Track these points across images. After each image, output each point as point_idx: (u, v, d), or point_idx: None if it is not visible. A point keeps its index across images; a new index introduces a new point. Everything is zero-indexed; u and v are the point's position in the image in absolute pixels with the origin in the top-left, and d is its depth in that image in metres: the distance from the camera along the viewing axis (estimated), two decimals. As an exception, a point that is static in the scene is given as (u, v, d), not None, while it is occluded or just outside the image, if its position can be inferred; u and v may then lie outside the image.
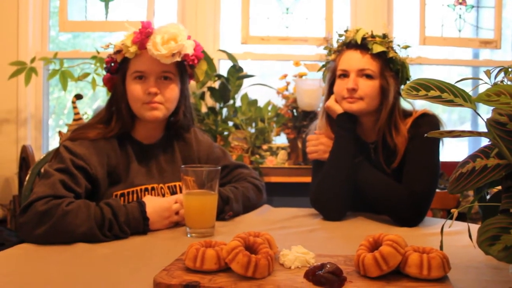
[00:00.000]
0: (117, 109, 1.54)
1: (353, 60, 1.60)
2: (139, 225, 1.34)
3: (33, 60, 2.93)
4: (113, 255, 1.16)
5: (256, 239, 1.00)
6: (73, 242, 1.24)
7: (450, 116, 3.77)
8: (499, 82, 0.94)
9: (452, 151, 3.49)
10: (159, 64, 1.50)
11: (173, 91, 1.55)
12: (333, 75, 1.67)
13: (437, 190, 1.96)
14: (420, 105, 1.67)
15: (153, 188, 1.55)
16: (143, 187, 1.53)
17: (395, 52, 1.59)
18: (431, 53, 3.40)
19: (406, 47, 1.62)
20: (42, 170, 1.46)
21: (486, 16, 3.39)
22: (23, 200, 1.69)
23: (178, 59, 1.50)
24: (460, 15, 3.36)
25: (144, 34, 1.48)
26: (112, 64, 1.56)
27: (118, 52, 1.52)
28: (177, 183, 1.61)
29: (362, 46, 1.60)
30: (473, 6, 3.37)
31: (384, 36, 1.61)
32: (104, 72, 1.61)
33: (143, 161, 1.57)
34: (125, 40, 1.50)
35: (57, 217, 1.24)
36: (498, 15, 3.31)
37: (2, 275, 1.01)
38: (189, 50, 1.53)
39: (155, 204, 1.39)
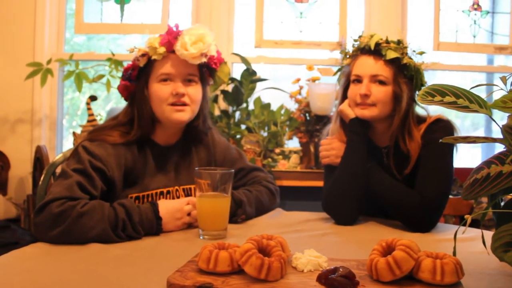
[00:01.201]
0: (139, 116, 1.53)
1: (366, 65, 1.60)
2: (152, 225, 1.35)
3: (49, 62, 2.97)
4: (126, 255, 1.17)
5: (269, 242, 1.01)
6: (87, 243, 1.25)
7: (464, 122, 3.75)
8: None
9: (466, 157, 3.47)
10: (185, 67, 1.51)
11: (198, 92, 1.55)
12: (347, 79, 1.68)
13: (450, 196, 1.95)
14: (433, 110, 1.66)
15: (168, 192, 1.56)
16: (158, 190, 1.54)
17: (410, 58, 1.59)
18: (445, 59, 3.39)
19: (421, 53, 1.62)
20: (59, 169, 1.47)
21: (502, 21, 3.37)
22: (38, 201, 1.71)
23: (205, 60, 1.51)
24: (475, 21, 3.34)
25: (172, 35, 1.49)
26: (132, 71, 1.54)
27: (143, 55, 1.51)
28: (192, 186, 1.62)
29: (376, 52, 1.60)
30: (488, 12, 3.36)
31: (399, 42, 1.61)
32: (119, 75, 1.61)
33: (160, 163, 1.58)
34: (152, 41, 1.50)
35: (72, 219, 1.25)
36: (514, 21, 3.28)
37: (16, 273, 1.02)
38: (214, 52, 1.55)
39: (168, 205, 1.41)
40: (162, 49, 1.49)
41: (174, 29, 1.50)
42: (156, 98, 1.51)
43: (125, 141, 1.50)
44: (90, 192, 1.36)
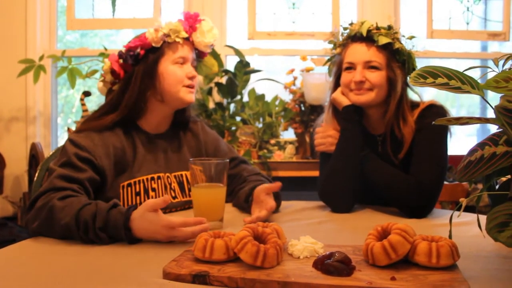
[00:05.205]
0: (137, 94, 1.53)
1: (359, 52, 1.60)
2: (120, 233, 1.17)
3: (41, 58, 2.95)
4: (122, 247, 1.16)
5: (265, 229, 1.01)
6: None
7: (459, 111, 3.75)
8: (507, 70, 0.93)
9: (461, 144, 3.48)
10: (193, 53, 1.62)
11: (198, 77, 1.65)
12: (339, 68, 1.67)
13: (446, 183, 1.95)
14: (428, 98, 1.66)
15: (159, 177, 1.57)
16: (149, 176, 1.54)
17: (401, 43, 1.59)
18: (439, 46, 3.39)
19: (411, 37, 1.62)
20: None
21: (494, 8, 3.37)
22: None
23: (210, 49, 1.65)
24: (468, 8, 3.34)
25: (195, 22, 1.58)
26: (140, 49, 1.53)
27: (167, 35, 1.54)
28: (183, 172, 1.63)
29: (368, 38, 1.59)
30: (481, -2, 3.35)
31: (389, 27, 1.61)
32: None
33: (149, 150, 1.58)
34: (177, 25, 1.55)
35: (46, 210, 1.23)
36: (507, 7, 3.28)
37: (13, 267, 1.02)
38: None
39: (144, 217, 1.18)
40: (184, 33, 1.56)
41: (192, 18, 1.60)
42: (172, 79, 1.56)
43: (112, 124, 1.51)
44: (75, 178, 1.34)
